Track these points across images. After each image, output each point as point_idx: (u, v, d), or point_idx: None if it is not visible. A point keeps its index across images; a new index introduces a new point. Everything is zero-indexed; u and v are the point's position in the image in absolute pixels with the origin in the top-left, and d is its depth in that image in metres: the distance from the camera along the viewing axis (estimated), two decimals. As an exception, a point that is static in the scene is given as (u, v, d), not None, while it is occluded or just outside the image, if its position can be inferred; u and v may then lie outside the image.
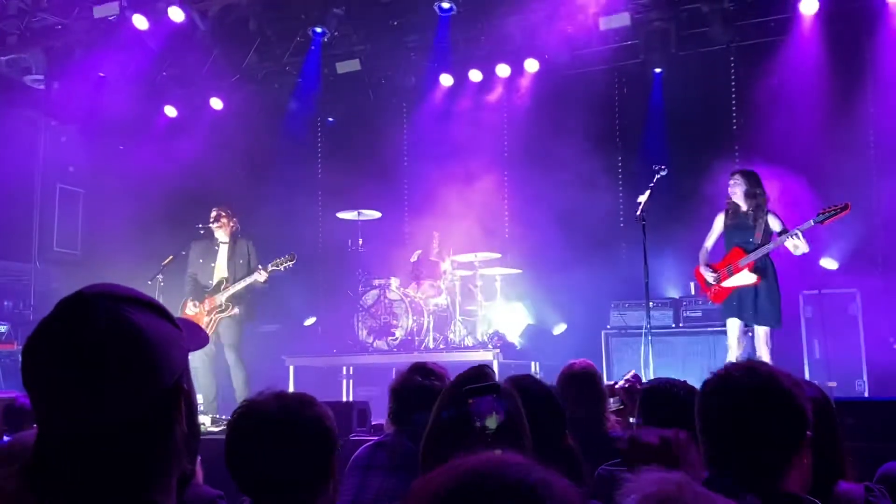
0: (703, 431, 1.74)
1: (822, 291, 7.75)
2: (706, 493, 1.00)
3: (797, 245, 6.24)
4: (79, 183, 10.92)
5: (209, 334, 7.59)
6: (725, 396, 1.71)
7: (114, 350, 1.06)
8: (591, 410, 3.39)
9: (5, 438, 2.99)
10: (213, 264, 7.78)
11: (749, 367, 1.73)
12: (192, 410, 1.21)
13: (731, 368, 1.75)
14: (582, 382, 3.43)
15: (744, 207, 6.56)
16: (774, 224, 6.50)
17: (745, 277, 6.44)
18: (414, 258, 9.02)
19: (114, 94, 9.75)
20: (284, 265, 7.51)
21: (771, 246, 6.40)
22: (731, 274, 6.51)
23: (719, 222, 6.73)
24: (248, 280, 7.54)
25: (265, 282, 7.61)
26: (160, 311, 1.17)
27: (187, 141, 10.13)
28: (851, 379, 7.48)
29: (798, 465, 1.68)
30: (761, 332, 6.48)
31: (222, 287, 7.64)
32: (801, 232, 6.18)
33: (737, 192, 6.54)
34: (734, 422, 1.69)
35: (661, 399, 2.69)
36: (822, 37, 8.33)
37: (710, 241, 6.79)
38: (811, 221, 6.20)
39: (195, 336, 1.31)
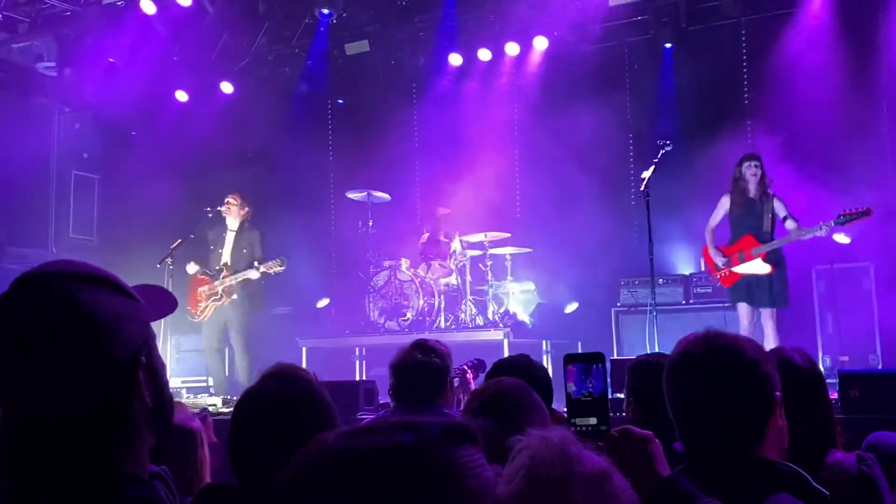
0: (672, 409, 1.73)
1: (834, 266, 7.68)
2: (577, 452, 1.01)
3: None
4: (94, 169, 11.01)
5: (206, 318, 7.70)
6: (686, 371, 1.70)
7: (58, 329, 1.06)
8: None
9: None
10: (220, 250, 7.85)
11: (706, 339, 1.70)
12: (160, 384, 1.19)
13: (689, 343, 1.72)
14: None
15: (752, 192, 6.51)
16: (780, 209, 6.48)
17: (759, 267, 6.42)
18: (423, 239, 9.03)
19: (125, 79, 9.78)
20: (274, 269, 7.61)
21: (786, 240, 6.40)
22: (742, 260, 6.49)
23: (725, 203, 6.70)
24: (241, 276, 7.62)
25: (259, 279, 7.69)
26: (114, 286, 1.16)
27: (199, 125, 10.18)
28: (865, 353, 7.42)
29: (773, 429, 1.67)
30: (766, 310, 6.48)
31: (222, 275, 7.69)
32: (818, 234, 6.18)
33: (758, 175, 6.50)
34: (699, 396, 1.67)
35: (649, 373, 2.65)
36: (834, 9, 8.21)
37: (714, 221, 6.77)
38: (831, 222, 6.21)
39: (161, 303, 1.31)
